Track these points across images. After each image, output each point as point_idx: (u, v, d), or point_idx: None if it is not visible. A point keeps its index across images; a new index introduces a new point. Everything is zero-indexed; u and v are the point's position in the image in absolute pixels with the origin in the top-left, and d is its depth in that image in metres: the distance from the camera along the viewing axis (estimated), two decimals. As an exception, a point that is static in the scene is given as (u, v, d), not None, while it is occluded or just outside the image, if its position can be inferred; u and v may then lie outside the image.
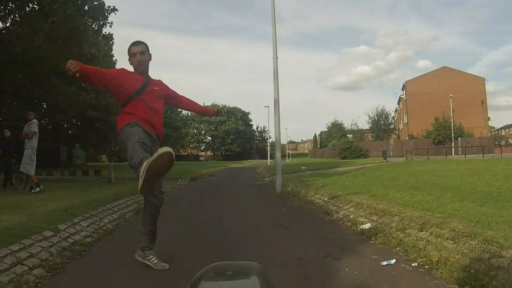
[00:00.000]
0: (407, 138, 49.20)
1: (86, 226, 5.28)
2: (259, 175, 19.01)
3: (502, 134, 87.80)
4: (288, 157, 74.40)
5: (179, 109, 52.51)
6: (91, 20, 12.75)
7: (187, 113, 66.09)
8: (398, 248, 3.90)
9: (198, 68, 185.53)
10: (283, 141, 79.88)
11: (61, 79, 12.33)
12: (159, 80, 3.71)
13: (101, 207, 6.71)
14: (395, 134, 59.36)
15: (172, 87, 3.83)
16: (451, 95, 43.30)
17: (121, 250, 4.28)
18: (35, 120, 9.39)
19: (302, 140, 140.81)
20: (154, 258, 3.52)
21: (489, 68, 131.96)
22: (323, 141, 73.61)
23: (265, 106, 45.63)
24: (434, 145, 42.75)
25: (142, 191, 2.75)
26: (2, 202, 6.86)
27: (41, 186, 9.40)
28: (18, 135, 10.24)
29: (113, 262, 3.87)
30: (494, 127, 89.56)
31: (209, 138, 79.10)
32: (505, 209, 5.30)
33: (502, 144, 49.36)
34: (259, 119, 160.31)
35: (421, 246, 3.68)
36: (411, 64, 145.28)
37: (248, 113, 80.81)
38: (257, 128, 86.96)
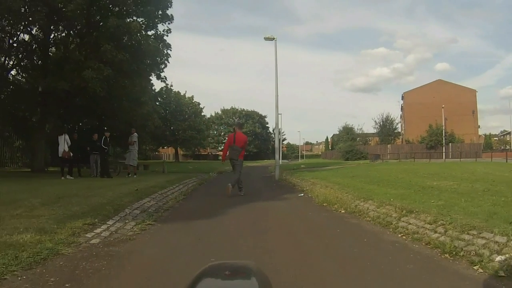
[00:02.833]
0: (404, 143, 54.90)
1: (182, 187, 11.78)
2: (268, 171, 25.20)
3: (507, 139, 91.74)
4: (302, 158, 79.97)
5: (203, 114, 59.45)
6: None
7: (210, 116, 72.59)
8: (309, 193, 10.23)
9: (216, 69, 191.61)
10: (297, 142, 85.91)
11: (138, 106, 19.07)
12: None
13: (181, 181, 13.17)
14: (399, 138, 64.97)
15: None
16: (443, 105, 48.83)
17: (201, 192, 10.89)
18: (135, 133, 15.91)
19: (317, 141, 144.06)
20: (243, 191, 10.05)
21: (509, 71, 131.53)
22: (334, 144, 79.52)
23: (279, 114, 51.68)
24: (427, 149, 48.35)
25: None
26: (129, 180, 13.41)
27: (136, 174, 15.97)
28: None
29: (202, 195, 10.44)
30: (506, 131, 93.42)
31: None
32: (373, 185, 11.32)
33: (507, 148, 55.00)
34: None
35: (314, 191, 10.00)
36: (429, 66, 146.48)
37: (265, 116, 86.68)
38: (273, 131, 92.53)
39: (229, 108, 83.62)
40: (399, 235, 5.33)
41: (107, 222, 5.71)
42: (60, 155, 14.78)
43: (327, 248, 4.77)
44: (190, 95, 56.19)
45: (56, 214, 5.83)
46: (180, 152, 65.27)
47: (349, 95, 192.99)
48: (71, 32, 16.09)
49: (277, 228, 5.98)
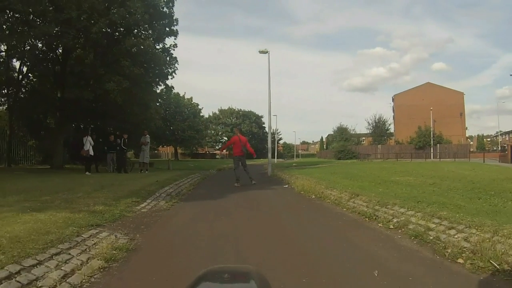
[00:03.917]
0: (394, 143, 57.60)
1: (190, 180, 14.35)
2: (263, 169, 27.78)
3: (500, 140, 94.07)
4: (298, 157, 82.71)
5: (201, 114, 61.97)
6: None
7: (208, 116, 75.03)
8: (292, 185, 12.82)
9: (214, 69, 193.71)
10: (293, 142, 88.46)
11: (145, 110, 21.82)
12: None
13: (187, 176, 15.73)
14: (391, 139, 67.62)
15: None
16: (431, 108, 51.49)
17: (206, 184, 13.50)
18: (148, 135, 18.47)
19: (313, 141, 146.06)
20: (240, 182, 12.66)
21: (505, 70, 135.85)
22: (329, 143, 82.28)
23: (273, 115, 54.22)
24: (416, 150, 51.00)
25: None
26: (143, 175, 15.99)
27: (148, 170, 18.52)
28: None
29: (207, 186, 13.04)
30: (502, 131, 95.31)
31: (226, 138, 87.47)
32: (345, 179, 13.92)
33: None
34: (272, 122, 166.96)
35: (296, 183, 12.61)
36: (426, 66, 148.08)
37: (261, 117, 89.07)
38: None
39: (226, 108, 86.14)
40: (344, 209, 7.93)
41: (146, 201, 8.32)
42: (84, 154, 17.31)
43: (293, 215, 7.42)
44: (189, 96, 58.59)
45: (109, 196, 8.38)
46: (179, 150, 67.69)
47: (347, 95, 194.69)
48: (92, 49, 18.61)
49: (264, 205, 8.60)
